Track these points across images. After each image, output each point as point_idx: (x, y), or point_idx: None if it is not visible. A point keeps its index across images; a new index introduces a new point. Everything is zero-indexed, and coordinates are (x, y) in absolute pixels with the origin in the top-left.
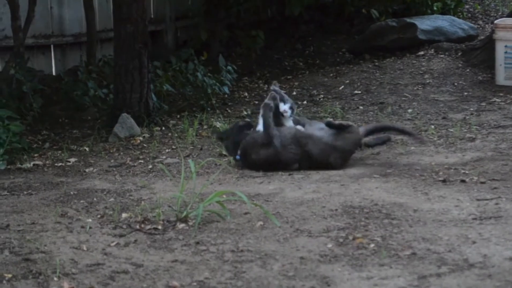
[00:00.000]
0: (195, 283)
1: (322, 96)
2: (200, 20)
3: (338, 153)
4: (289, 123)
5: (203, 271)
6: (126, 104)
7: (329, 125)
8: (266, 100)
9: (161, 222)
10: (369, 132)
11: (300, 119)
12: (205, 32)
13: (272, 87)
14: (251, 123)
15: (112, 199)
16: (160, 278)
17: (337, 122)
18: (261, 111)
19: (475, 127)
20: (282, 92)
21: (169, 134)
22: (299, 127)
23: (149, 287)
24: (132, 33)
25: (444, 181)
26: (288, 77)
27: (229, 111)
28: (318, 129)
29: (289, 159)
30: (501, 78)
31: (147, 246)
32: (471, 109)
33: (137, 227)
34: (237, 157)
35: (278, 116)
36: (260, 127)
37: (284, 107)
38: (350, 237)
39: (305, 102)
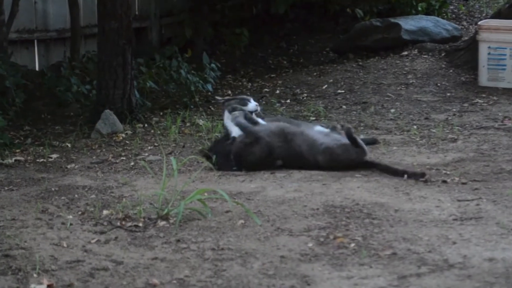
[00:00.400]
0: (175, 281)
1: (305, 95)
2: (185, 18)
3: (328, 158)
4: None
5: (183, 269)
6: (109, 101)
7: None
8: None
9: (142, 219)
10: None
11: (298, 122)
12: (190, 29)
13: (219, 100)
14: (228, 133)
15: (93, 196)
16: (140, 276)
17: (354, 136)
18: (232, 121)
19: (457, 128)
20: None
21: (152, 131)
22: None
23: (128, 284)
24: (116, 29)
25: (425, 181)
26: (272, 75)
27: (212, 108)
28: (317, 132)
29: (277, 153)
30: (484, 79)
31: (127, 243)
32: (454, 109)
33: (118, 224)
34: (234, 168)
35: (251, 117)
36: (234, 133)
37: (252, 105)
38: (331, 237)
39: (288, 100)
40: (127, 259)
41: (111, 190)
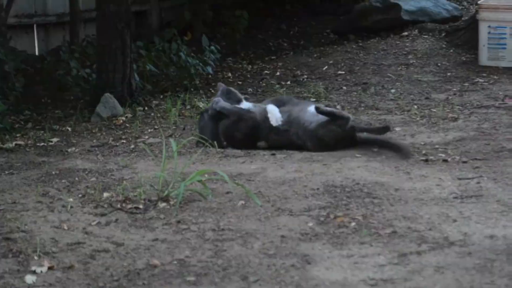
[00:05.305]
0: (175, 262)
1: (306, 76)
2: (184, 0)
3: (316, 141)
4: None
5: (183, 250)
6: (109, 84)
7: (318, 111)
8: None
9: (143, 201)
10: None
11: (284, 98)
12: (189, 12)
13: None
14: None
15: (93, 179)
16: (140, 257)
17: (328, 109)
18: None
19: (458, 107)
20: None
21: (152, 114)
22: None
23: (129, 266)
24: (115, 12)
25: (426, 160)
26: (272, 57)
27: (212, 91)
28: (304, 112)
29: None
30: (484, 58)
31: (128, 225)
32: (454, 89)
33: (118, 206)
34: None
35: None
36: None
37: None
38: (331, 216)
39: (288, 82)
40: (128, 240)
41: (112, 172)
